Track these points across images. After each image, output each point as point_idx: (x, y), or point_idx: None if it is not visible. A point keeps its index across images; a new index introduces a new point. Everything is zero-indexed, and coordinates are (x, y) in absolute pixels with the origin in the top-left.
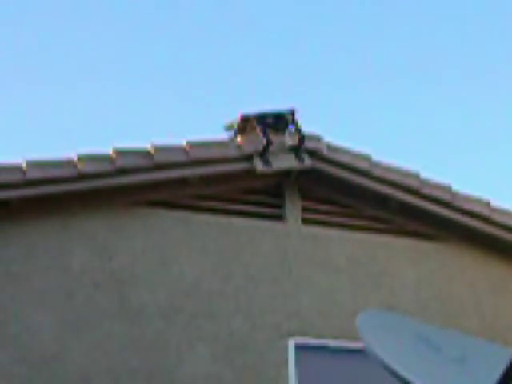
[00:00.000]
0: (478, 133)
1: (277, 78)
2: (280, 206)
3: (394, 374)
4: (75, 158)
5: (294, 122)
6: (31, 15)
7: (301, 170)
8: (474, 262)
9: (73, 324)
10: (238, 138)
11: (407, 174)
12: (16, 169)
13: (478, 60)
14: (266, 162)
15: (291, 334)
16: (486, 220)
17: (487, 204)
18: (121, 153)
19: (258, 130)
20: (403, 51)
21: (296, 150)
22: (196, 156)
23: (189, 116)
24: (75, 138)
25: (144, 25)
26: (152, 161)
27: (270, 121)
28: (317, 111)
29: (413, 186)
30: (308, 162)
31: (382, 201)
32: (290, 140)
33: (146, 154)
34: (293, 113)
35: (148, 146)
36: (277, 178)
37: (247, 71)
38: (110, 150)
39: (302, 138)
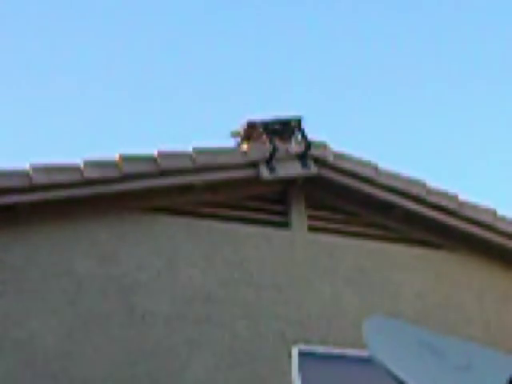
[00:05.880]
0: (486, 141)
1: (283, 85)
2: (285, 214)
3: (398, 381)
4: (81, 164)
5: (300, 129)
6: (38, 18)
7: (306, 177)
8: (480, 271)
9: (76, 330)
10: (244, 145)
11: (413, 182)
12: (22, 174)
13: (489, 66)
14: (272, 169)
15: (295, 342)
16: (491, 229)
17: (493, 213)
18: (126, 159)
19: (264, 137)
20: (409, 60)
21: (302, 158)
22: (202, 162)
23: (195, 122)
24: (81, 144)
25: (151, 32)
26: (158, 167)
27: (276, 128)
28: (323, 119)
29: (419, 194)
30: (314, 169)
31: (388, 209)
32: (295, 147)
33: (151, 160)
34: (299, 120)
35: (154, 153)
36: (282, 185)
37: (254, 78)
38: (115, 156)
39: (308, 146)
